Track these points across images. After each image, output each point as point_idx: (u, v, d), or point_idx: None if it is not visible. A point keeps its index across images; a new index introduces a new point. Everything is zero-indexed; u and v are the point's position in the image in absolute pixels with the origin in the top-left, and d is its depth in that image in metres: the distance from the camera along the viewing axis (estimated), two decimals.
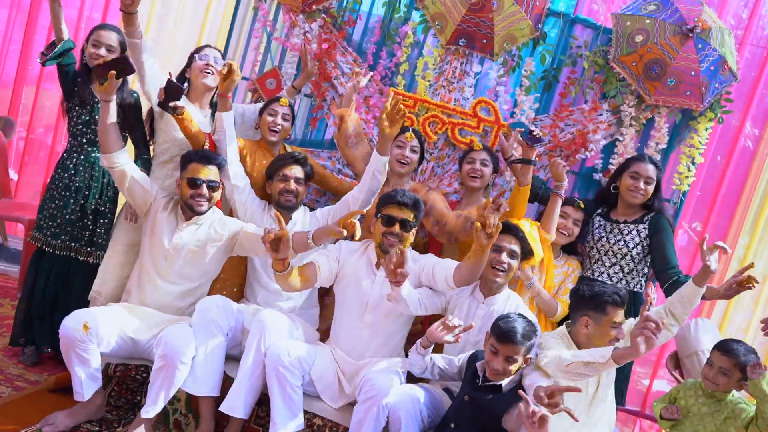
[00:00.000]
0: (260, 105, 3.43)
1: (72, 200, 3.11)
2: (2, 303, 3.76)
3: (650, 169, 3.18)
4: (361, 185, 3.02)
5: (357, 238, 2.61)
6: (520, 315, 2.51)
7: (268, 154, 3.31)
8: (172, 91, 2.87)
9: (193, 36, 4.60)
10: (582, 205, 3.18)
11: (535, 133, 3.02)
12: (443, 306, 2.91)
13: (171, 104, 2.89)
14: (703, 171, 4.21)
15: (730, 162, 4.20)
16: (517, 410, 2.30)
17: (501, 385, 2.42)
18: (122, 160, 2.86)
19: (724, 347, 2.77)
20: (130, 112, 3.18)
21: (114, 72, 2.65)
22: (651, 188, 3.18)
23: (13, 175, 4.88)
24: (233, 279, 3.16)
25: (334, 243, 2.98)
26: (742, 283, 2.73)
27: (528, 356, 2.43)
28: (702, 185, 4.29)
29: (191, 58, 3.24)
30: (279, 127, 3.27)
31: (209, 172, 2.86)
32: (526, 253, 2.85)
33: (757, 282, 2.73)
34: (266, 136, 3.30)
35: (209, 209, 2.92)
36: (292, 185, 3.06)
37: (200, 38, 4.59)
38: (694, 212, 4.39)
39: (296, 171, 3.08)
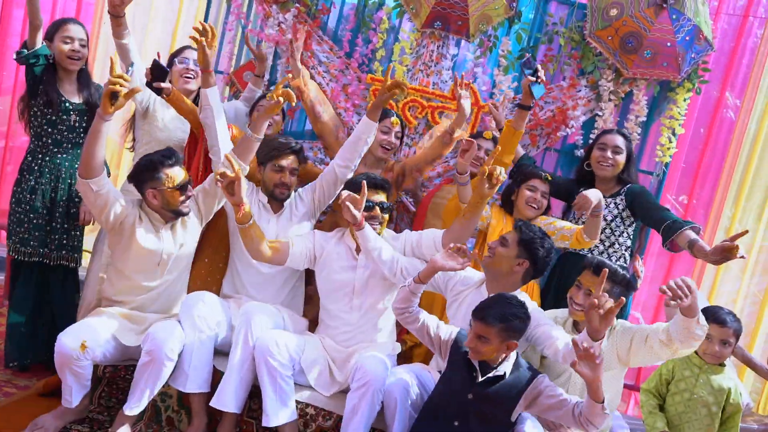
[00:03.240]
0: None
1: (39, 203, 3.04)
2: None
3: (617, 139, 3.18)
4: (348, 150, 2.98)
5: (293, 103, 2.71)
6: (513, 298, 2.41)
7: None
8: (158, 72, 2.87)
9: (167, 31, 4.57)
10: (549, 177, 3.15)
11: (538, 80, 3.01)
12: (441, 288, 2.85)
13: (156, 85, 2.88)
14: (686, 143, 4.23)
15: (711, 133, 4.21)
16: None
17: (504, 374, 2.35)
18: (106, 185, 2.65)
19: (717, 318, 2.73)
20: (95, 101, 3.11)
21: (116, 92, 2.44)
22: (620, 158, 3.16)
23: None
24: (215, 272, 3.13)
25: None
26: (728, 250, 2.64)
27: (510, 341, 2.32)
28: (686, 157, 4.31)
29: (171, 62, 3.21)
30: (270, 121, 3.24)
31: (183, 173, 2.75)
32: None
33: (743, 257, 2.64)
34: None
35: None
36: (288, 178, 2.97)
37: (175, 32, 4.57)
38: (679, 185, 4.41)
39: (292, 161, 2.98)
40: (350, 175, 3.02)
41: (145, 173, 2.72)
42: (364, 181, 2.72)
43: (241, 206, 2.60)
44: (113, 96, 2.43)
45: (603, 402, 2.17)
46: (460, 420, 2.38)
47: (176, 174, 2.71)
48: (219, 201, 2.90)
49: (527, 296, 2.71)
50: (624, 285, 2.56)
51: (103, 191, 2.63)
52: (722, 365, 2.77)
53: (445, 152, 3.23)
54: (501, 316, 2.29)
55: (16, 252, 3.04)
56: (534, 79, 2.94)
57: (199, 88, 3.18)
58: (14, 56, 3.03)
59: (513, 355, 2.39)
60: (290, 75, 3.13)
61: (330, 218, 3.34)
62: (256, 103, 3.37)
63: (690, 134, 4.22)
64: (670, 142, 3.56)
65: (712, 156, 4.24)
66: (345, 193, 2.69)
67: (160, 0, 4.72)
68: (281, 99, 2.63)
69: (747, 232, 2.66)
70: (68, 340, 2.51)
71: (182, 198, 2.73)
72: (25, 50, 2.96)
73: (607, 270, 2.34)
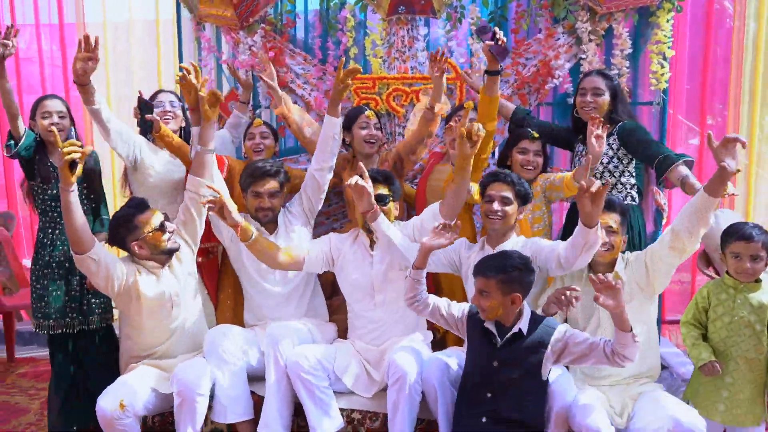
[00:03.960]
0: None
1: (56, 276, 3.12)
2: (47, 387, 3.84)
3: (596, 81, 3.08)
4: (320, 151, 3.02)
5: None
6: (511, 253, 2.40)
7: None
8: (144, 108, 3.00)
9: (151, 81, 4.66)
10: (536, 135, 3.09)
11: (499, 41, 2.91)
12: (455, 265, 2.85)
13: (148, 117, 3.00)
14: (685, 63, 4.11)
15: (709, 45, 4.08)
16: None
17: (521, 330, 2.34)
18: (101, 252, 2.65)
19: (744, 235, 2.60)
20: (93, 175, 3.22)
21: (74, 160, 2.47)
22: (602, 99, 3.06)
23: (29, 264, 5.02)
24: (240, 302, 3.20)
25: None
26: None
27: (513, 294, 2.30)
28: (688, 79, 4.19)
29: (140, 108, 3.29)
30: (261, 146, 3.32)
31: (156, 214, 2.77)
32: (525, 195, 2.74)
33: (734, 194, 2.59)
34: (252, 158, 3.33)
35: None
36: (266, 202, 3.00)
37: (159, 81, 4.66)
38: (688, 107, 4.28)
39: (270, 185, 3.00)
40: (329, 176, 3.04)
41: (121, 229, 2.74)
42: (361, 163, 2.71)
43: (238, 226, 2.66)
44: (72, 165, 2.46)
45: (631, 331, 2.15)
46: (492, 390, 2.37)
47: (149, 217, 2.74)
48: (200, 224, 2.93)
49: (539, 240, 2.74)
50: (621, 213, 2.63)
51: (102, 261, 2.64)
52: (758, 281, 2.66)
53: (432, 129, 3.20)
54: (499, 267, 2.30)
55: (39, 327, 3.12)
56: (492, 42, 2.89)
57: (182, 128, 3.29)
58: (5, 152, 3.11)
59: (527, 313, 2.36)
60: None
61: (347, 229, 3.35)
62: (246, 132, 3.42)
63: (687, 53, 4.10)
64: (663, 67, 3.44)
65: (715, 69, 4.09)
66: (351, 181, 2.62)
67: (135, 61, 4.83)
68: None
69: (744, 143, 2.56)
70: (106, 402, 2.57)
71: (165, 236, 2.76)
72: (13, 142, 3.05)
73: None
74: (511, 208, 2.70)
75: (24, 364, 4.29)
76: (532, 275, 2.35)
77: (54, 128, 2.71)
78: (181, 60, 3.92)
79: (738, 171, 2.37)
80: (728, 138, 2.31)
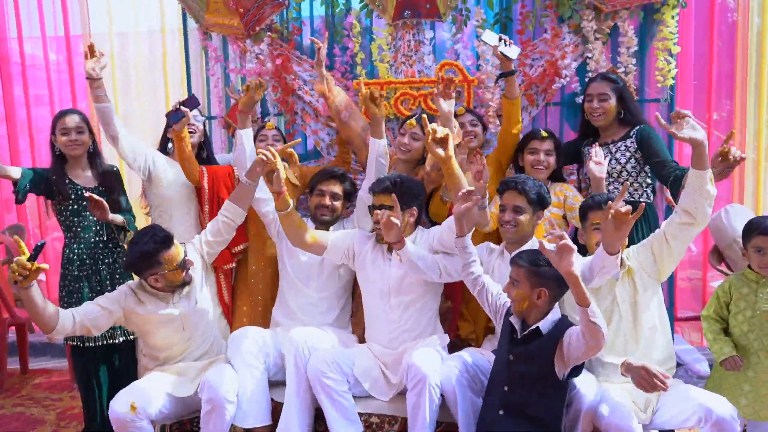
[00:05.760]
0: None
1: (87, 289, 3.15)
2: (61, 397, 3.89)
3: (601, 85, 3.13)
4: (368, 174, 3.10)
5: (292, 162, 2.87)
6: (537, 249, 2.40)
7: None
8: (190, 102, 3.13)
9: (158, 94, 4.69)
10: (545, 134, 3.11)
11: (507, 43, 3.02)
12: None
13: (179, 107, 3.10)
14: (691, 59, 4.11)
15: (714, 40, 4.08)
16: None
17: (538, 327, 2.33)
18: (69, 320, 2.63)
19: (766, 229, 2.61)
20: (110, 176, 3.25)
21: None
22: (608, 104, 3.10)
23: (41, 276, 5.03)
24: (257, 305, 3.24)
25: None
26: (721, 154, 2.60)
27: (540, 288, 2.31)
28: (695, 74, 4.19)
29: (168, 118, 3.32)
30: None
31: (179, 248, 2.76)
32: (541, 201, 2.72)
33: (743, 157, 2.59)
34: None
35: None
36: (327, 200, 3.11)
37: (167, 92, 4.69)
38: (696, 103, 4.28)
39: (333, 186, 3.12)
40: None
41: (142, 264, 2.71)
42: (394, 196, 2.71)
43: (281, 194, 2.75)
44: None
45: (588, 306, 2.10)
46: (508, 384, 2.39)
47: (173, 254, 2.71)
48: (224, 244, 3.00)
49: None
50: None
51: (72, 330, 2.63)
52: None
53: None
54: (531, 259, 2.35)
55: (80, 340, 3.13)
56: (500, 44, 2.92)
57: (201, 142, 3.39)
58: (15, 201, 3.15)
59: (553, 315, 2.35)
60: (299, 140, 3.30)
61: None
62: (257, 135, 3.41)
63: (692, 49, 4.10)
64: (669, 63, 3.44)
65: (721, 64, 4.10)
66: (382, 216, 2.64)
67: (141, 71, 4.86)
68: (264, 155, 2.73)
69: (733, 133, 2.58)
70: (117, 404, 2.60)
71: (184, 273, 2.77)
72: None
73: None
74: (524, 217, 2.71)
75: (38, 375, 4.32)
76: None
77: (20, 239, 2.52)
78: (188, 70, 3.95)
79: (743, 158, 2.51)
80: (673, 114, 2.39)
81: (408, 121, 3.25)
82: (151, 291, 2.80)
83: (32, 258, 2.41)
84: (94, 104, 3.01)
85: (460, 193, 2.51)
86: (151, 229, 2.77)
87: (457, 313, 3.24)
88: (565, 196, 3.13)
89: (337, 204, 3.14)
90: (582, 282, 2.11)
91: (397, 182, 2.80)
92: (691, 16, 4.01)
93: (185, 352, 2.88)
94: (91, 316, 2.69)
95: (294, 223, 2.85)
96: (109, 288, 3.15)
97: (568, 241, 2.10)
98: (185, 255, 2.78)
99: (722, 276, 4.04)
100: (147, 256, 2.68)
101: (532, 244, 2.73)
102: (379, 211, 2.74)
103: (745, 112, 4.19)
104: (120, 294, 2.80)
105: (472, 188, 2.53)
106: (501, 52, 3.00)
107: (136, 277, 2.86)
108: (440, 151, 2.57)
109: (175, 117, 3.11)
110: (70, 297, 3.16)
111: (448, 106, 2.98)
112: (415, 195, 2.86)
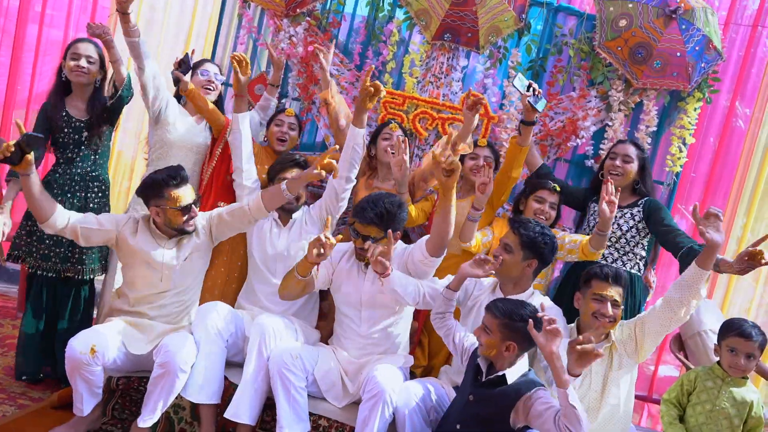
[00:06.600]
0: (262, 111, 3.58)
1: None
2: (2, 323, 3.75)
3: (629, 149, 3.17)
4: (341, 160, 3.00)
5: (335, 174, 2.69)
6: (529, 305, 2.40)
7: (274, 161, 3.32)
8: (184, 66, 3.11)
9: (179, 43, 4.62)
10: (557, 188, 3.16)
11: (536, 93, 3.07)
12: (460, 299, 2.83)
13: (175, 73, 3.12)
14: (696, 153, 4.22)
15: (722, 143, 4.20)
16: (521, 403, 2.28)
17: (504, 375, 2.32)
18: (63, 218, 2.69)
19: (743, 332, 2.68)
20: (99, 111, 3.15)
21: (26, 153, 2.45)
22: (630, 167, 3.15)
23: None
24: (231, 281, 3.18)
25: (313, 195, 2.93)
26: (753, 256, 2.58)
27: (510, 342, 2.30)
28: (695, 167, 4.30)
29: (192, 72, 3.31)
30: (286, 136, 3.35)
31: (191, 192, 2.78)
32: (533, 247, 2.66)
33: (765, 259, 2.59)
34: (274, 146, 3.36)
35: None
36: None
37: (187, 44, 4.61)
38: (689, 195, 4.38)
39: (296, 173, 3.03)
40: (348, 187, 3.04)
41: (149, 191, 2.75)
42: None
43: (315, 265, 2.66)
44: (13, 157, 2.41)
45: (565, 389, 2.12)
46: (461, 422, 2.38)
47: (180, 194, 2.72)
48: (233, 230, 2.93)
49: (548, 299, 2.72)
50: (624, 286, 2.67)
51: (63, 228, 2.68)
52: (745, 378, 2.74)
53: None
54: (506, 312, 2.32)
55: (38, 268, 3.05)
56: (529, 94, 2.98)
57: (215, 102, 3.32)
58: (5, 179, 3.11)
59: (522, 366, 2.36)
60: (336, 147, 3.14)
61: (347, 233, 3.35)
62: (274, 117, 3.41)
63: (700, 144, 4.21)
64: (681, 151, 3.55)
65: (723, 165, 4.22)
66: (376, 250, 2.62)
67: (171, 17, 4.77)
68: (323, 172, 2.64)
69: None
70: (78, 344, 2.54)
71: (184, 218, 2.76)
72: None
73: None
74: (511, 258, 2.66)
75: None
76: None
77: (18, 121, 2.54)
78: (218, 33, 3.90)
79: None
80: (709, 212, 2.43)
81: (392, 125, 3.33)
82: (150, 227, 2.81)
83: (26, 144, 2.40)
84: (125, 39, 2.99)
85: (476, 258, 2.56)
86: (175, 167, 2.80)
87: (417, 342, 3.24)
88: (560, 241, 3.08)
89: (302, 192, 3.10)
90: (562, 365, 2.14)
91: (383, 214, 2.72)
92: (706, 112, 4.12)
93: (153, 303, 2.83)
94: (85, 225, 2.73)
95: (302, 289, 2.76)
96: None
97: (558, 327, 2.16)
98: (193, 204, 2.76)
99: (673, 362, 4.15)
100: (156, 185, 2.72)
101: (529, 294, 2.72)
102: (366, 244, 2.70)
103: (734, 215, 4.32)
104: (122, 217, 2.85)
105: (490, 258, 2.55)
106: (529, 102, 3.05)
107: None
108: (443, 176, 2.55)
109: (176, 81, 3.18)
110: (28, 219, 3.07)
111: (475, 121, 3.06)
112: (400, 220, 2.80)
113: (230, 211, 2.86)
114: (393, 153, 3.23)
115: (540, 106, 3.09)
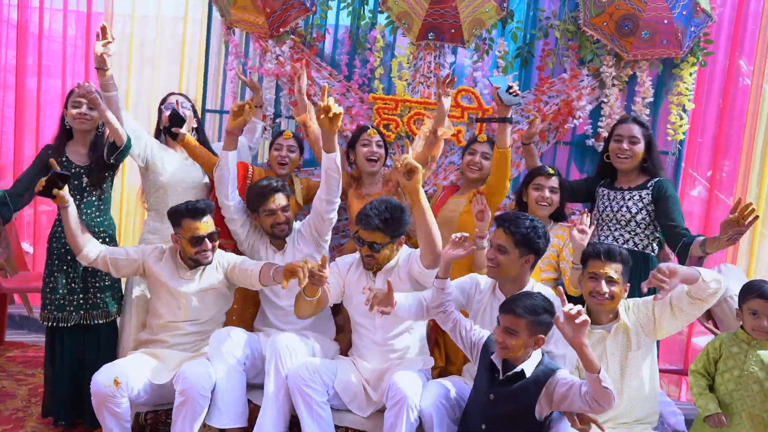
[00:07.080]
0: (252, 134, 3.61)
1: (69, 267, 3.11)
2: (35, 373, 3.83)
3: (633, 129, 3.07)
4: (321, 188, 3.01)
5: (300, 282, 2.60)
6: (538, 293, 2.41)
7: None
8: (176, 120, 3.09)
9: (172, 79, 4.68)
10: (551, 171, 3.11)
11: (512, 92, 2.91)
12: (466, 296, 2.79)
13: (175, 130, 3.07)
14: (701, 117, 4.15)
15: (726, 102, 4.12)
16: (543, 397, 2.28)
17: (523, 371, 2.31)
18: (96, 249, 2.91)
19: (764, 293, 2.59)
20: (101, 156, 3.16)
21: (56, 189, 2.73)
22: (638, 148, 3.06)
23: (28, 248, 5.00)
24: (248, 306, 3.23)
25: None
26: (734, 221, 2.56)
27: (538, 336, 2.28)
28: (701, 132, 4.23)
29: (159, 110, 3.31)
30: (287, 159, 3.34)
31: (207, 225, 2.85)
32: (528, 243, 2.57)
33: (756, 216, 2.56)
34: (276, 170, 3.35)
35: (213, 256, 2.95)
36: (281, 216, 3.04)
37: (180, 80, 4.68)
38: (698, 160, 4.31)
39: (279, 200, 3.04)
40: (331, 209, 3.03)
41: (171, 219, 2.91)
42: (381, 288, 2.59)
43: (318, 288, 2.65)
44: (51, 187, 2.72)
45: (597, 372, 2.11)
46: (486, 423, 2.36)
47: (194, 226, 2.83)
48: (244, 284, 2.99)
49: (550, 290, 2.68)
50: (622, 262, 2.60)
51: (95, 257, 2.90)
52: None
53: (434, 153, 3.26)
54: (531, 309, 2.28)
55: (54, 320, 3.09)
56: (499, 85, 2.92)
57: (194, 128, 3.33)
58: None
59: (537, 355, 2.35)
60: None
61: (351, 244, 3.37)
62: (273, 141, 3.43)
63: (703, 108, 4.14)
64: (681, 119, 3.50)
65: (730, 125, 4.14)
66: (376, 293, 2.55)
67: (162, 49, 4.85)
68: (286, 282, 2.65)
69: (741, 199, 2.58)
70: (101, 378, 2.61)
71: (195, 250, 2.84)
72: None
73: None
74: (507, 258, 2.58)
75: (13, 348, 4.26)
76: (552, 317, 2.31)
77: (52, 160, 2.85)
78: (207, 61, 3.95)
79: (757, 217, 2.52)
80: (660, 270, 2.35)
81: (369, 131, 3.30)
82: (175, 256, 2.96)
83: (54, 181, 2.72)
84: (102, 93, 2.96)
85: (454, 237, 2.52)
86: (200, 200, 2.98)
87: (434, 341, 3.23)
88: (565, 243, 3.05)
89: (289, 214, 3.07)
90: (590, 349, 2.12)
91: (387, 219, 2.73)
92: (704, 74, 4.05)
93: (172, 331, 2.92)
94: (114, 256, 2.94)
95: (315, 307, 2.75)
96: (78, 270, 3.13)
97: (585, 316, 2.11)
98: (206, 237, 2.85)
99: (707, 332, 4.07)
100: (176, 213, 2.88)
101: (530, 288, 2.66)
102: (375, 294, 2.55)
103: (748, 174, 4.23)
104: (149, 247, 3.03)
105: (466, 234, 2.52)
106: (498, 94, 2.91)
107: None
108: (404, 178, 2.54)
109: (174, 136, 3.14)
110: (50, 276, 3.12)
111: (447, 103, 3.11)
112: (404, 223, 2.79)
113: (240, 271, 2.94)
114: (374, 160, 3.27)
115: (511, 101, 2.91)
